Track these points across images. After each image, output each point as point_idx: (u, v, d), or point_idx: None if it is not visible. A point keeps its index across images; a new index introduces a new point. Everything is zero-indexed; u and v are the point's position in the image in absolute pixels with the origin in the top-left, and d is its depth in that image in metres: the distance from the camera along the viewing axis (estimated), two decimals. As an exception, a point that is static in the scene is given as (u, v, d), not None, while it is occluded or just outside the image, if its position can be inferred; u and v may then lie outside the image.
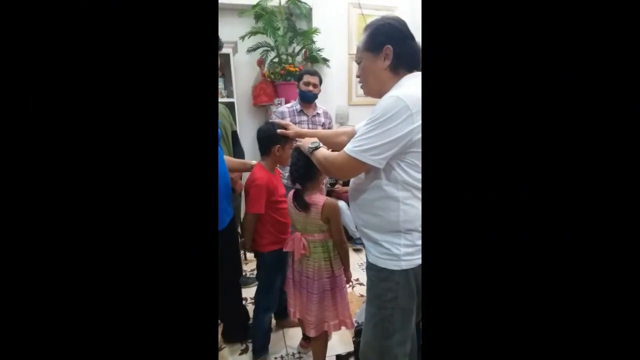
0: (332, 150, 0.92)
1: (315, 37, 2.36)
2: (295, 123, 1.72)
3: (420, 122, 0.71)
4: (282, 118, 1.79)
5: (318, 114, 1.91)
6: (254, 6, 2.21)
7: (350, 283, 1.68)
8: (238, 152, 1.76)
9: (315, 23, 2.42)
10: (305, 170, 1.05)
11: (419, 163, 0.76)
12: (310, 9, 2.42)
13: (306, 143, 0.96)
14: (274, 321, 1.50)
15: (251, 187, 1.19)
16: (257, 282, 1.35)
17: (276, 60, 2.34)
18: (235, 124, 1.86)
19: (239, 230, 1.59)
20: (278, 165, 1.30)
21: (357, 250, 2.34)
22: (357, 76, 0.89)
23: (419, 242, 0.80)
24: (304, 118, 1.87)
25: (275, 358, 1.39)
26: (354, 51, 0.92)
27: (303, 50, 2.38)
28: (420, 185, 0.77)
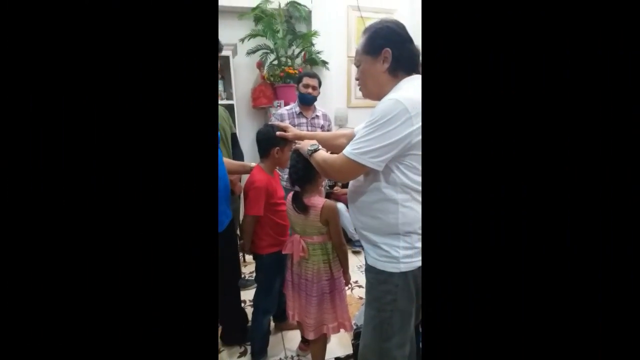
0: (331, 153, 0.92)
1: (315, 40, 2.37)
2: (294, 125, 1.72)
3: (419, 124, 0.71)
4: (281, 120, 1.80)
5: (317, 116, 1.92)
6: (253, 9, 2.22)
7: (349, 285, 1.68)
8: (237, 154, 1.76)
9: (315, 26, 2.43)
10: (304, 172, 1.05)
11: (418, 165, 0.76)
12: (310, 12, 2.43)
13: (305, 145, 0.96)
14: (272, 324, 1.50)
15: (250, 189, 1.19)
16: (255, 285, 1.35)
17: (275, 62, 2.35)
18: (235, 126, 1.86)
19: (238, 232, 1.59)
20: (277, 168, 1.30)
21: (356, 253, 2.34)
22: (356, 79, 0.89)
23: (418, 244, 0.80)
24: (303, 120, 1.87)
25: (274, 361, 1.39)
26: (353, 54, 0.92)
27: (302, 53, 2.39)
28: (419, 187, 0.77)
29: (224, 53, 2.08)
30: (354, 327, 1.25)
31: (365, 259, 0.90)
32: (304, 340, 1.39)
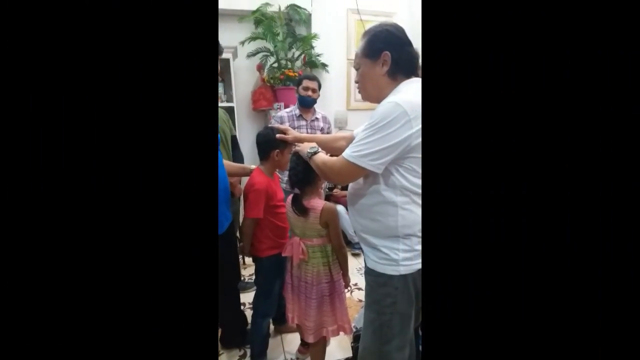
0: (330, 155, 0.92)
1: (315, 43, 2.38)
2: (294, 127, 1.73)
3: (418, 127, 0.71)
4: (281, 122, 1.80)
5: (317, 118, 1.92)
6: (253, 12, 2.23)
7: (349, 288, 1.68)
8: (237, 156, 1.77)
9: (315, 29, 2.45)
10: (304, 175, 1.05)
11: (418, 168, 0.76)
12: (310, 15, 2.44)
13: (305, 148, 0.97)
14: (272, 327, 1.49)
15: (250, 191, 1.19)
16: (255, 287, 1.34)
17: (275, 65, 2.36)
18: (235, 129, 1.86)
19: (238, 234, 1.59)
20: (277, 170, 1.30)
21: (355, 255, 2.33)
22: (356, 82, 0.89)
23: (418, 247, 0.80)
24: (303, 123, 1.87)
25: (274, 364, 1.38)
26: (353, 56, 0.93)
27: (302, 56, 2.40)
28: (418, 190, 0.77)
29: (224, 56, 2.09)
30: (354, 330, 1.25)
31: (364, 261, 0.90)
32: (304, 343, 1.39)
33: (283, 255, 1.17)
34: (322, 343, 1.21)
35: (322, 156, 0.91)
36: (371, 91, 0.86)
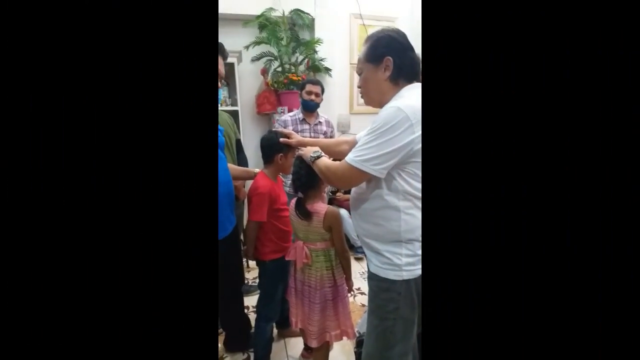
0: (333, 159, 0.92)
1: (318, 47, 2.39)
2: (297, 131, 1.74)
3: (420, 132, 0.72)
4: (285, 126, 1.81)
5: (320, 122, 1.93)
6: (258, 16, 2.25)
7: (352, 292, 1.67)
8: (242, 159, 1.78)
9: (318, 33, 2.46)
10: (307, 179, 1.05)
11: (420, 173, 0.76)
12: (313, 20, 2.46)
13: (308, 152, 0.97)
14: (275, 330, 1.49)
15: (254, 195, 1.20)
16: (259, 291, 1.34)
17: (279, 69, 2.37)
18: (239, 132, 1.88)
19: (242, 238, 1.59)
20: (281, 174, 1.31)
21: (358, 259, 2.33)
22: (359, 86, 0.90)
23: (421, 252, 0.80)
24: (306, 126, 1.88)
25: (277, 368, 1.38)
26: (356, 61, 0.93)
27: (306, 60, 2.41)
28: (421, 195, 0.77)
29: (229, 60, 2.11)
30: (357, 334, 1.24)
31: (367, 266, 0.90)
32: (307, 348, 1.38)
33: (286, 259, 1.17)
34: (325, 348, 1.21)
35: (325, 160, 0.91)
36: (374, 96, 0.86)
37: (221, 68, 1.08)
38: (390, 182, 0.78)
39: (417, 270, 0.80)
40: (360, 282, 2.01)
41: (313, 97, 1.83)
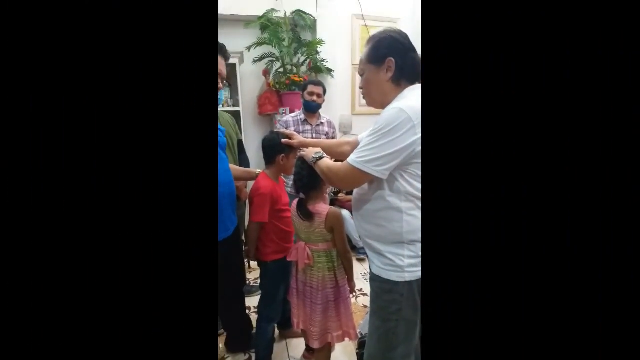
0: (335, 160, 0.92)
1: (320, 48, 2.39)
2: (299, 132, 1.74)
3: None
4: (287, 127, 1.81)
5: (322, 123, 1.93)
6: (259, 17, 2.26)
7: (354, 293, 1.67)
8: (243, 160, 1.78)
9: (320, 34, 2.46)
10: (309, 179, 1.05)
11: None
12: (315, 21, 2.46)
13: (310, 153, 0.97)
14: (277, 331, 1.49)
15: (255, 195, 1.20)
16: (260, 292, 1.35)
17: (281, 70, 2.38)
18: (241, 133, 1.88)
19: (244, 238, 1.59)
20: (282, 174, 1.31)
21: (360, 260, 2.32)
22: (360, 87, 0.90)
23: (423, 253, 0.80)
24: (308, 127, 1.88)
25: (278, 369, 1.38)
26: (358, 62, 0.93)
27: (307, 61, 2.42)
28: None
29: (230, 61, 2.11)
30: (359, 336, 1.24)
31: (369, 267, 0.89)
32: (309, 349, 1.38)
33: (288, 259, 1.17)
34: (327, 349, 1.21)
35: (327, 161, 0.91)
36: (376, 97, 0.86)
37: (223, 69, 1.08)
38: (392, 183, 0.78)
39: (419, 272, 0.80)
40: (362, 283, 2.00)
41: (315, 98, 1.83)
